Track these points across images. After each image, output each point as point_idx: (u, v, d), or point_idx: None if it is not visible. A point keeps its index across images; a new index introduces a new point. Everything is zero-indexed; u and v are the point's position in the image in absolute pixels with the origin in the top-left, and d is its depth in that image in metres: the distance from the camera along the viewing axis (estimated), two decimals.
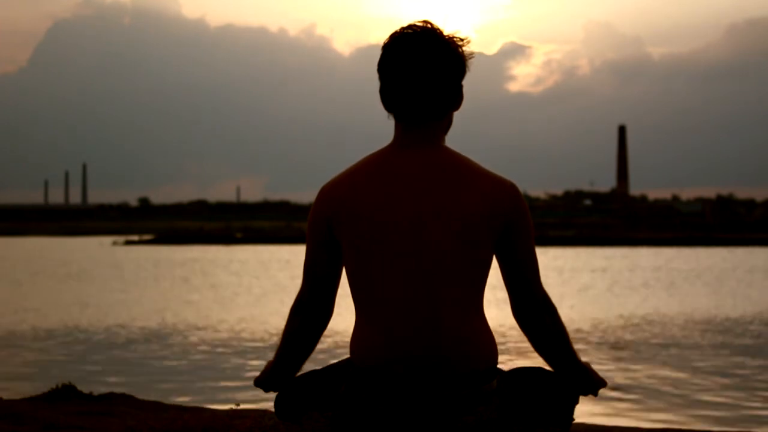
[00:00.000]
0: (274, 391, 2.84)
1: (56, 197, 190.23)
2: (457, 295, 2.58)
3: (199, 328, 15.14)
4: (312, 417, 3.61)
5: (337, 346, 12.32)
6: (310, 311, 2.72)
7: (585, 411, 7.68)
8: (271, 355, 2.88)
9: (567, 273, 31.51)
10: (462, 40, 2.66)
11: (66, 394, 5.86)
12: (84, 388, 6.07)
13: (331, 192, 2.65)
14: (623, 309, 18.57)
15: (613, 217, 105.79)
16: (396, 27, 2.67)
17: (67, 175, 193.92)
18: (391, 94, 2.65)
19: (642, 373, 10.58)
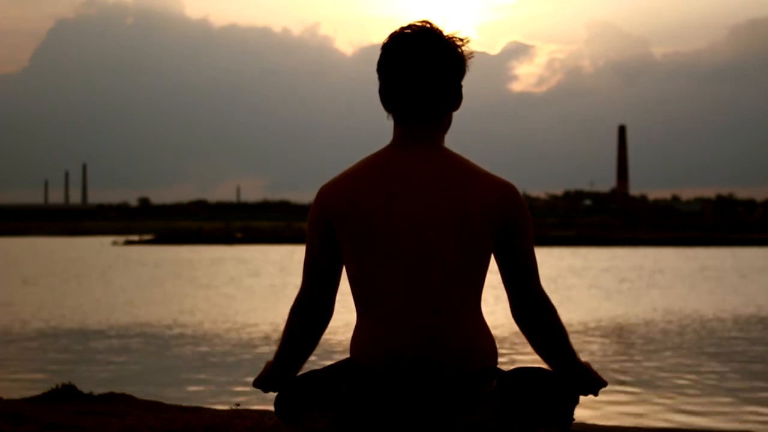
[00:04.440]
0: (274, 392, 2.84)
1: (56, 197, 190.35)
2: (456, 295, 2.57)
3: (199, 328, 15.14)
4: (312, 417, 3.61)
5: (337, 345, 12.32)
6: (310, 311, 2.72)
7: (585, 411, 7.68)
8: (271, 355, 2.87)
9: (567, 272, 31.52)
10: (462, 39, 2.65)
11: (66, 394, 5.86)
12: (84, 388, 6.07)
13: (331, 192, 2.65)
14: (623, 309, 18.57)
15: (613, 217, 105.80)
16: (398, 27, 2.66)
17: (67, 175, 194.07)
18: (390, 94, 2.64)
19: (643, 372, 10.58)
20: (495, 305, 16.70)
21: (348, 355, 2.73)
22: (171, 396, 8.54)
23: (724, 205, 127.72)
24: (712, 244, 63.82)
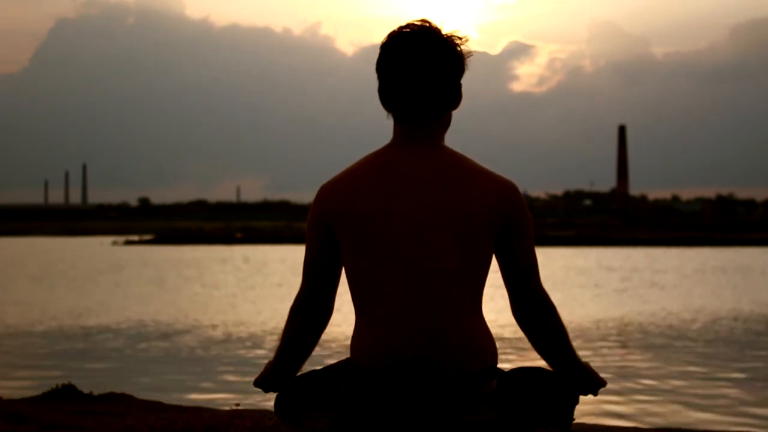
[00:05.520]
0: (274, 392, 2.84)
1: (56, 197, 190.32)
2: (456, 295, 2.57)
3: (199, 328, 15.14)
4: (312, 417, 3.61)
5: (338, 345, 12.32)
6: (309, 311, 2.72)
7: (585, 411, 7.68)
8: (271, 355, 2.87)
9: (567, 272, 31.51)
10: (460, 38, 2.65)
11: (66, 394, 5.85)
12: (84, 388, 6.06)
13: (331, 191, 2.65)
14: (623, 308, 18.56)
15: (613, 217, 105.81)
16: (397, 26, 2.66)
17: (67, 175, 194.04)
18: (389, 94, 2.64)
19: (643, 372, 10.57)
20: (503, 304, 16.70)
21: (348, 355, 2.73)
22: (171, 396, 8.54)
23: (724, 205, 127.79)
24: (712, 244, 63.78)
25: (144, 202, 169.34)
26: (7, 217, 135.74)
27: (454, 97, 2.66)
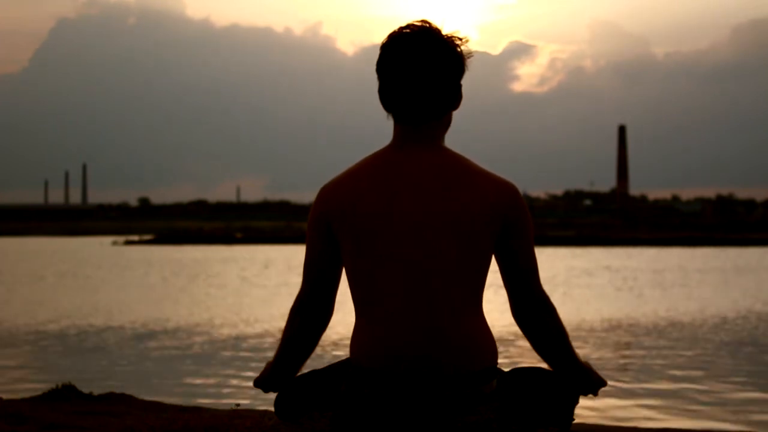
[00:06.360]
0: (274, 392, 2.84)
1: (56, 197, 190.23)
2: (456, 295, 2.57)
3: (198, 328, 15.14)
4: (312, 417, 3.61)
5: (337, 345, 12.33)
6: (310, 311, 2.72)
7: (585, 411, 7.68)
8: (271, 355, 2.87)
9: (567, 273, 31.51)
10: (461, 39, 2.65)
11: (66, 394, 5.86)
12: (84, 388, 6.07)
13: (332, 192, 2.65)
14: (623, 308, 18.57)
15: (613, 217, 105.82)
16: (397, 27, 2.66)
17: (67, 175, 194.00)
18: (389, 95, 2.64)
19: (643, 372, 10.58)
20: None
21: (348, 355, 2.73)
22: (171, 396, 8.54)
23: (724, 205, 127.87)
24: (712, 244, 63.74)
25: (144, 202, 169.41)
26: (7, 217, 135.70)
27: (454, 97, 2.66)
